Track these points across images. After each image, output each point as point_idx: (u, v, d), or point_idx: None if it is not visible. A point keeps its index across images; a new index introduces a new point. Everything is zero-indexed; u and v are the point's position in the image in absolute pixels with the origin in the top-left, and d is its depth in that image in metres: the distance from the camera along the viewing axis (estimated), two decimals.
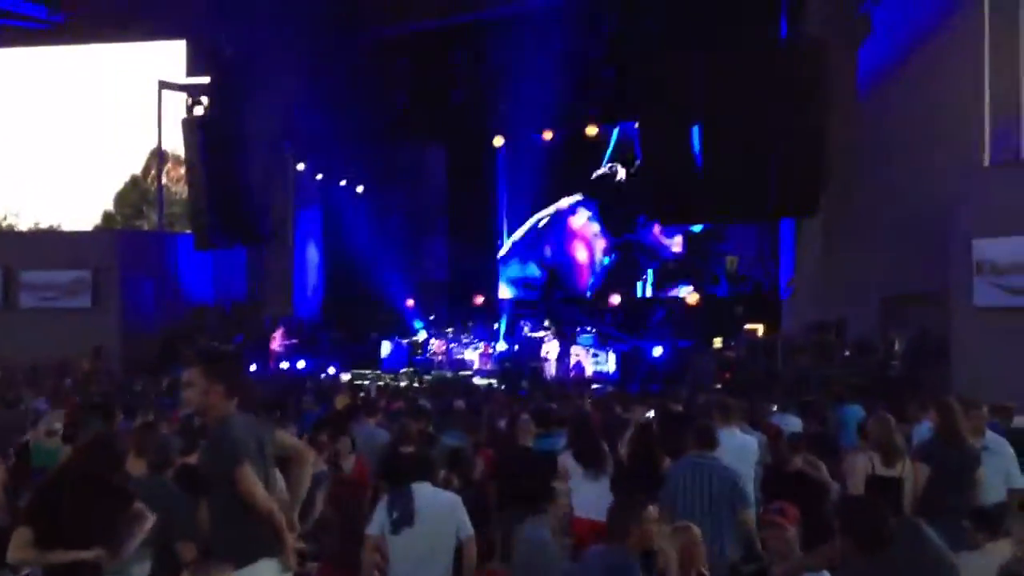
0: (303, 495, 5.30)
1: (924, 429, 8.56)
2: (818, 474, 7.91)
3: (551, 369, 21.32)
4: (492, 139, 25.01)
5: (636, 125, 21.14)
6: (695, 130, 18.52)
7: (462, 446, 8.84)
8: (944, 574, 4.64)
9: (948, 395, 9.83)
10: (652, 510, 5.45)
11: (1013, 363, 13.31)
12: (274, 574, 4.98)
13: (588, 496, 7.63)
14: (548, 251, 26.15)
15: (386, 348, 23.60)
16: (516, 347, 22.60)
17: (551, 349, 21.61)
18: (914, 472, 7.21)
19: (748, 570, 6.49)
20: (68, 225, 37.56)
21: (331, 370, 22.69)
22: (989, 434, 7.90)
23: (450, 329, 23.69)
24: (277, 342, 23.64)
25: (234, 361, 5.40)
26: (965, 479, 7.12)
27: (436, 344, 23.38)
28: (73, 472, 5.42)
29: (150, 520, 5.40)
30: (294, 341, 23.92)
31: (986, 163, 15.10)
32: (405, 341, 23.74)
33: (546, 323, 22.30)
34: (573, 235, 25.95)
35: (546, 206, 26.37)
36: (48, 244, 28.21)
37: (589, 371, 20.98)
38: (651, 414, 10.86)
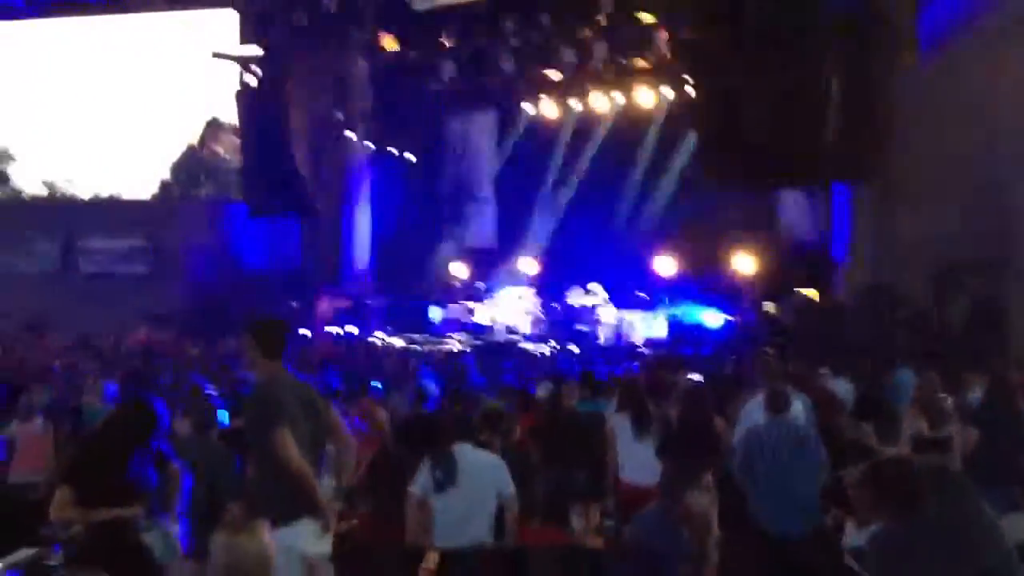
0: (346, 483, 5.38)
1: (977, 395, 8.43)
2: (867, 441, 7.84)
3: (603, 334, 21.27)
4: (540, 106, 24.92)
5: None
6: (749, 92, 18.28)
7: (501, 406, 8.87)
8: (987, 535, 4.53)
9: (1004, 362, 9.70)
10: (707, 478, 5.44)
11: None
12: (314, 535, 5.03)
13: (635, 458, 7.61)
14: None
15: (436, 313, 23.71)
16: (567, 312, 22.52)
17: (603, 314, 21.54)
18: (963, 436, 7.13)
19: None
20: (127, 194, 38.10)
21: (382, 335, 22.85)
22: None
23: (500, 294, 23.70)
24: (325, 307, 23.75)
25: (275, 326, 5.42)
26: (1014, 444, 7.02)
27: (485, 309, 23.43)
28: (112, 433, 5.50)
29: (181, 479, 5.49)
30: (345, 304, 24.06)
31: None
32: (455, 306, 23.81)
33: (591, 287, 22.16)
34: None
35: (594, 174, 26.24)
36: (107, 212, 28.70)
37: (640, 336, 20.90)
38: (697, 377, 10.83)
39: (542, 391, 10.40)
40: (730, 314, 20.39)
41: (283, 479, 4.95)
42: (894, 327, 16.34)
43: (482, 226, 27.38)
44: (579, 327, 21.47)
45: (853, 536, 5.83)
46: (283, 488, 4.97)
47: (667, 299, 21.77)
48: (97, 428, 5.83)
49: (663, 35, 21.32)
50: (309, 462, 5.05)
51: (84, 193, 39.62)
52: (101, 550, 5.09)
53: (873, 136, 16.94)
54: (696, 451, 6.93)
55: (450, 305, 23.85)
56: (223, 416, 7.44)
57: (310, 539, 5.00)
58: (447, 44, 23.20)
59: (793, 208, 22.73)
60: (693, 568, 5.06)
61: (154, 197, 38.10)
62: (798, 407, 8.35)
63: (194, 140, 42.82)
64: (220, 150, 33.74)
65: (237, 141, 29.82)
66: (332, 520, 5.12)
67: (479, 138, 27.52)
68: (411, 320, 23.66)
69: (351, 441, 5.34)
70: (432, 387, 9.50)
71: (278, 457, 4.90)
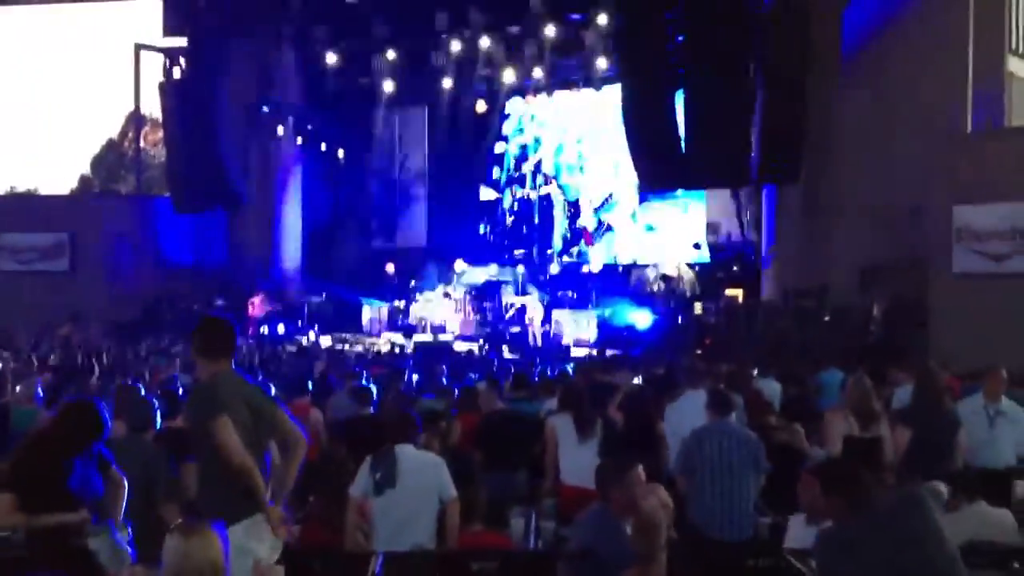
0: (291, 484, 5.22)
1: (904, 393, 8.62)
2: (799, 444, 7.98)
3: (533, 334, 21.34)
4: (474, 103, 24.90)
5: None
6: (678, 95, 18.49)
7: (439, 408, 8.85)
8: (938, 541, 4.62)
9: (927, 360, 9.94)
10: (637, 473, 5.46)
11: (991, 329, 13.43)
12: (264, 535, 4.94)
13: (577, 461, 7.60)
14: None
15: (367, 312, 23.56)
16: (499, 311, 22.54)
17: (534, 315, 21.61)
18: (894, 436, 7.28)
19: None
20: (45, 189, 37.13)
21: (311, 334, 22.63)
22: (1006, 400, 7.94)
23: (432, 293, 23.63)
24: (257, 307, 23.53)
25: (217, 325, 5.33)
26: (945, 443, 7.19)
27: (417, 309, 23.34)
28: (56, 436, 5.36)
29: (124, 485, 5.38)
30: (276, 306, 23.82)
31: (968, 130, 15.14)
32: (386, 305, 23.68)
33: (529, 288, 22.28)
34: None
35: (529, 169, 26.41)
36: (26, 207, 27.91)
37: (570, 337, 21.01)
38: (638, 380, 10.91)
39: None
40: (659, 315, 20.59)
41: (228, 476, 4.85)
42: (819, 327, 16.68)
43: (414, 223, 27.28)
44: (513, 327, 21.52)
45: (793, 537, 5.93)
46: (230, 487, 4.87)
47: (596, 298, 21.95)
48: (39, 430, 5.65)
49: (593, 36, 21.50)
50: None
51: (1, 188, 38.59)
52: (44, 556, 4.98)
53: (796, 141, 17.28)
54: (639, 453, 6.95)
55: (382, 304, 23.72)
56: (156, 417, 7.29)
57: (260, 539, 4.92)
58: (379, 38, 23.04)
59: (720, 210, 23.04)
60: (639, 570, 5.07)
61: (73, 192, 37.25)
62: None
63: (115, 134, 41.97)
64: (142, 144, 33.04)
65: (160, 135, 29.29)
66: (276, 522, 5.00)
67: (411, 133, 27.43)
68: (342, 319, 23.51)
69: (301, 436, 5.27)
70: (373, 388, 9.42)
71: (219, 447, 4.80)
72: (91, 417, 5.38)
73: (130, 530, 5.36)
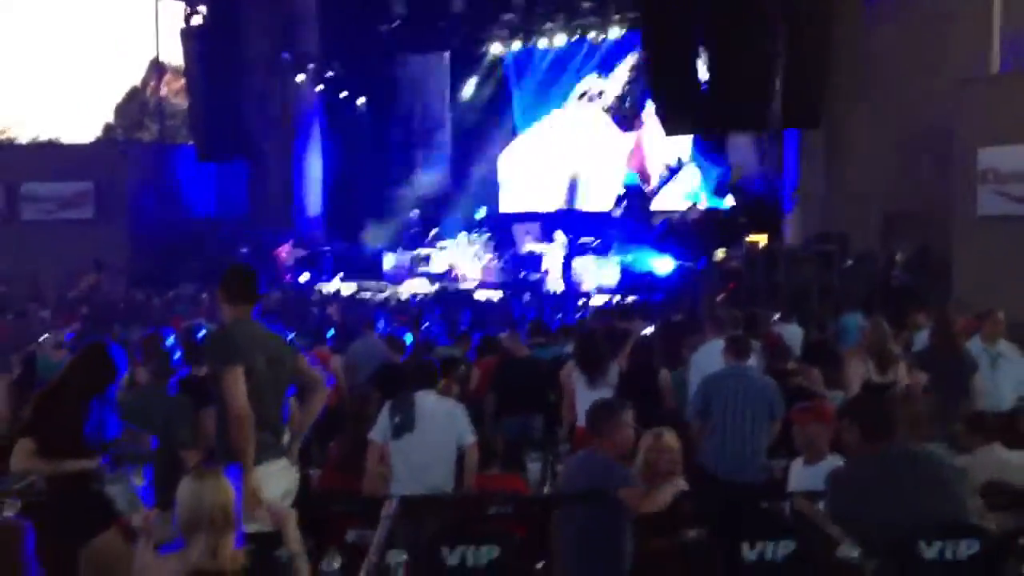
0: (307, 427, 5.30)
1: (925, 337, 8.63)
2: (815, 387, 8.01)
3: (553, 281, 21.28)
4: (494, 48, 24.70)
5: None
6: (699, 39, 18.28)
7: (457, 354, 8.94)
8: (945, 474, 4.67)
9: (948, 304, 9.92)
10: (627, 414, 5.59)
11: (1016, 272, 13.31)
12: (279, 478, 5.01)
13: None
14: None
15: (389, 260, 23.58)
16: (519, 260, 22.49)
17: (553, 261, 21.53)
18: (911, 379, 7.30)
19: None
20: (68, 138, 37.22)
21: (336, 281, 22.75)
22: (1004, 342, 7.95)
23: (453, 241, 23.61)
24: (285, 254, 23.61)
25: (239, 273, 5.37)
26: (960, 386, 7.21)
27: (439, 256, 23.33)
28: (72, 380, 5.43)
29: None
30: (302, 254, 23.91)
31: (994, 71, 14.90)
32: (408, 254, 23.70)
33: (555, 235, 22.15)
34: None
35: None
36: (50, 156, 28.00)
37: (591, 284, 20.95)
38: (651, 329, 10.95)
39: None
40: (681, 260, 20.46)
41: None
42: (841, 272, 16.60)
43: (436, 170, 27.18)
44: (532, 275, 21.46)
45: (795, 480, 6.00)
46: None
47: (617, 245, 21.80)
48: (57, 377, 5.74)
49: None
50: (272, 412, 5.03)
51: (24, 137, 38.72)
52: (63, 501, 5.09)
53: (819, 86, 17.09)
54: (641, 398, 7.00)
55: (404, 251, 23.73)
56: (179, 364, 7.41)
57: (273, 483, 4.95)
58: None
59: (742, 155, 22.82)
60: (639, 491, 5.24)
61: (97, 140, 37.34)
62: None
63: (137, 82, 41.95)
64: (164, 92, 33.09)
65: (182, 83, 29.30)
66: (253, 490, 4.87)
67: (432, 80, 27.24)
68: (364, 267, 23.56)
69: (321, 379, 5.32)
70: (409, 336, 9.47)
71: (223, 395, 4.85)
72: (104, 359, 5.44)
73: (147, 476, 5.45)
